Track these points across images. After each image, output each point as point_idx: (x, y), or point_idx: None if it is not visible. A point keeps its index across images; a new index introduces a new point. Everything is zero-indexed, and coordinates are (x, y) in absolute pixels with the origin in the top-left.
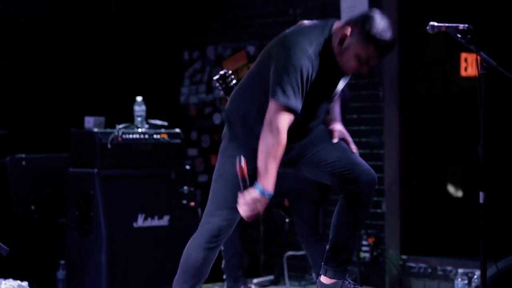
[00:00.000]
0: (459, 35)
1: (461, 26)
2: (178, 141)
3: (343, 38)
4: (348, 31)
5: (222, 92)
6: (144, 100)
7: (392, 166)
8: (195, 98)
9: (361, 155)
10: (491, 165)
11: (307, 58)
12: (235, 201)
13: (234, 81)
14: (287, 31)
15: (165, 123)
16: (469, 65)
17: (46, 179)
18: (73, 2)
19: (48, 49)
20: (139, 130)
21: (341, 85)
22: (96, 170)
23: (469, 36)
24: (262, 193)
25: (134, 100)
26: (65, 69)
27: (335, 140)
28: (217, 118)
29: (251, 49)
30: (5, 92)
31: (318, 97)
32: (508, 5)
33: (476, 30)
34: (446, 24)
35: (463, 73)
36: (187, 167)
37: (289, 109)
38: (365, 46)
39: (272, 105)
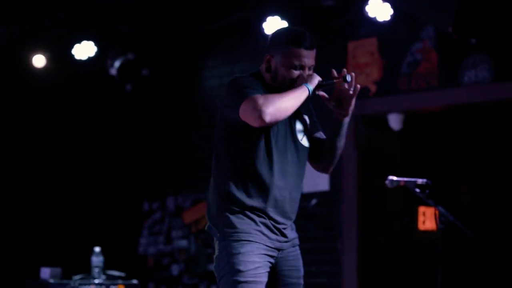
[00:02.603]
0: (417, 190)
1: (419, 180)
2: None
3: (268, 65)
4: (267, 56)
5: None
6: (102, 250)
7: None
8: (153, 248)
9: None
10: None
11: (253, 81)
12: None
13: None
14: None
15: (123, 274)
16: (427, 219)
17: None
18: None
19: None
20: (96, 281)
21: (301, 126)
22: None
23: (427, 191)
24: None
25: (92, 251)
26: (22, 219)
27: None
28: (175, 269)
29: None
30: None
31: (279, 140)
32: (465, 160)
33: (434, 184)
34: (405, 179)
35: (421, 226)
36: None
37: (252, 95)
38: (286, 51)
39: (242, 108)
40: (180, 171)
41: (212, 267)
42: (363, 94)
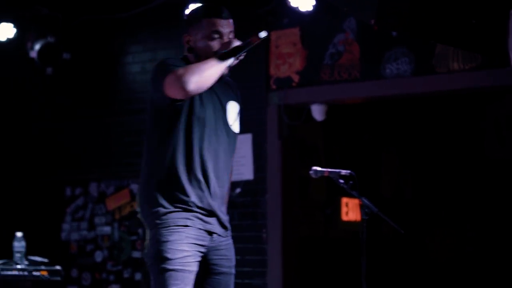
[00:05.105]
0: (341, 181)
1: (343, 171)
2: (58, 278)
3: (189, 45)
4: (186, 37)
5: None
6: (24, 236)
7: None
8: (76, 234)
9: None
10: None
11: (178, 61)
12: None
13: None
14: None
15: (45, 260)
16: (350, 210)
17: None
18: None
19: None
20: (18, 266)
21: (232, 112)
22: None
23: (351, 182)
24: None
25: (14, 236)
26: None
27: None
28: (98, 256)
29: (134, 187)
30: None
31: (211, 127)
32: (386, 152)
33: (356, 176)
34: (329, 170)
35: (344, 217)
36: None
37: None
38: (202, 24)
39: (165, 83)
40: (103, 157)
41: (136, 254)
42: (286, 84)
